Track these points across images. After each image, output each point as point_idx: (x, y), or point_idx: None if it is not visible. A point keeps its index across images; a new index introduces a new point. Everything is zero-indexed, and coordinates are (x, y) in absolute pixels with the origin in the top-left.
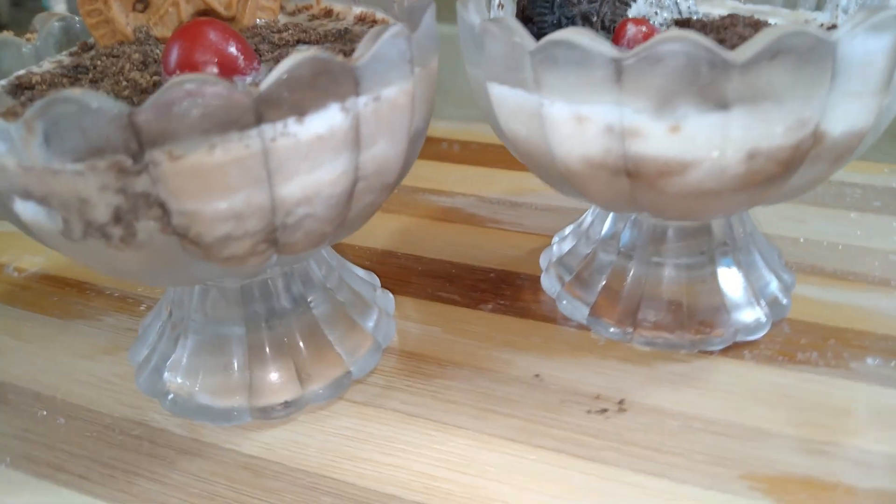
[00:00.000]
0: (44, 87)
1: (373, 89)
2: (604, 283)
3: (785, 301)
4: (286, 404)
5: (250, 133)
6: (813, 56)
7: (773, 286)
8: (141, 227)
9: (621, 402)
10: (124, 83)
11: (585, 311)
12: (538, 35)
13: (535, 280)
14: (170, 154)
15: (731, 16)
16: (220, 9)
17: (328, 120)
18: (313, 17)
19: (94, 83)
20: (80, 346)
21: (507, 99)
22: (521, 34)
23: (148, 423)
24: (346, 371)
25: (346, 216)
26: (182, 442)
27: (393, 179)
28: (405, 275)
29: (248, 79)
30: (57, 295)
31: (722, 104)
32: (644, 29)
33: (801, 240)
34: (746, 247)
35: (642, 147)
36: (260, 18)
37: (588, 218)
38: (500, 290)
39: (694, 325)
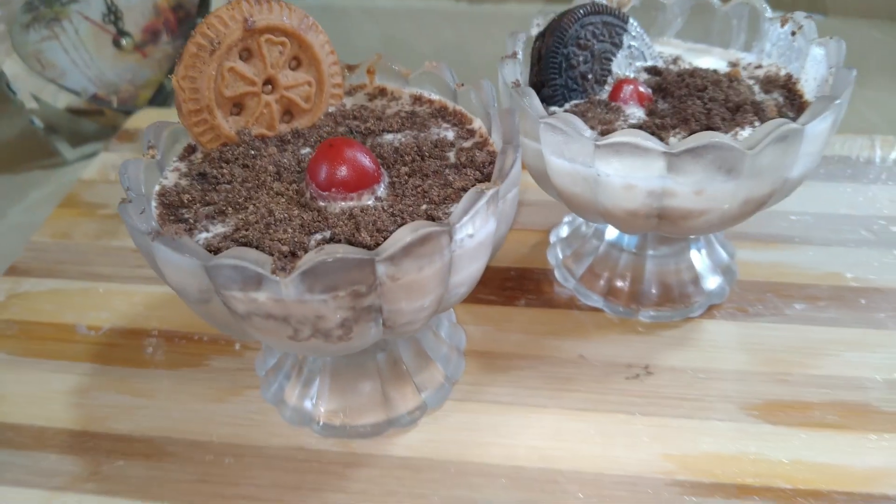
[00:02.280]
0: (196, 204)
1: None
2: (609, 275)
3: (734, 268)
4: (412, 411)
5: (444, 254)
6: (794, 138)
7: (724, 257)
8: (358, 328)
9: (646, 367)
10: (272, 193)
11: (599, 298)
12: (552, 95)
13: (549, 273)
14: (392, 278)
15: (693, 72)
16: (302, 103)
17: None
18: (371, 97)
19: (240, 201)
20: (204, 393)
21: (564, 168)
22: (587, 131)
23: (306, 447)
24: (445, 376)
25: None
26: (343, 457)
27: None
28: None
29: (382, 184)
30: (149, 346)
31: (735, 176)
32: (634, 87)
33: None
34: None
35: (674, 202)
36: (331, 105)
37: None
38: (525, 285)
39: (679, 298)
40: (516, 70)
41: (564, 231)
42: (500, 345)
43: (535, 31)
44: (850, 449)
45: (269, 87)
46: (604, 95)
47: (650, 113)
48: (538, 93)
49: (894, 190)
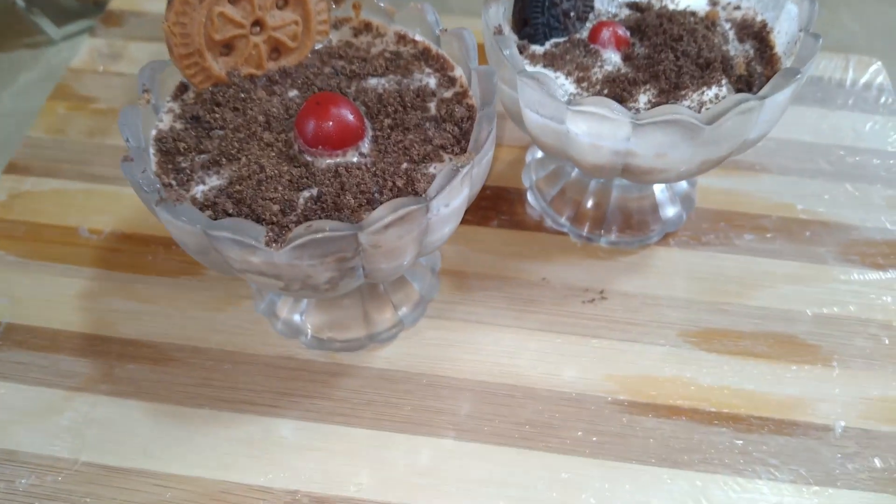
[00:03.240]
0: (192, 153)
1: None
2: (577, 200)
3: (694, 196)
4: (391, 328)
5: (421, 223)
6: (752, 111)
7: (685, 186)
8: (343, 282)
9: (602, 291)
10: (263, 145)
11: (564, 223)
12: (533, 34)
13: (521, 194)
14: (373, 246)
15: (671, 16)
16: (289, 42)
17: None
18: (357, 32)
19: (233, 152)
20: (204, 301)
21: (537, 120)
22: (560, 94)
23: (296, 356)
24: (421, 296)
25: None
26: (329, 367)
27: None
28: None
29: (366, 140)
30: (149, 254)
31: (694, 144)
32: (612, 30)
33: None
34: None
35: (636, 161)
36: (318, 42)
37: None
38: (499, 206)
39: (638, 226)
40: (499, 12)
41: (539, 152)
42: (472, 265)
43: None
44: (772, 377)
45: (258, 28)
46: (585, 33)
47: (626, 58)
48: (521, 30)
49: (859, 118)
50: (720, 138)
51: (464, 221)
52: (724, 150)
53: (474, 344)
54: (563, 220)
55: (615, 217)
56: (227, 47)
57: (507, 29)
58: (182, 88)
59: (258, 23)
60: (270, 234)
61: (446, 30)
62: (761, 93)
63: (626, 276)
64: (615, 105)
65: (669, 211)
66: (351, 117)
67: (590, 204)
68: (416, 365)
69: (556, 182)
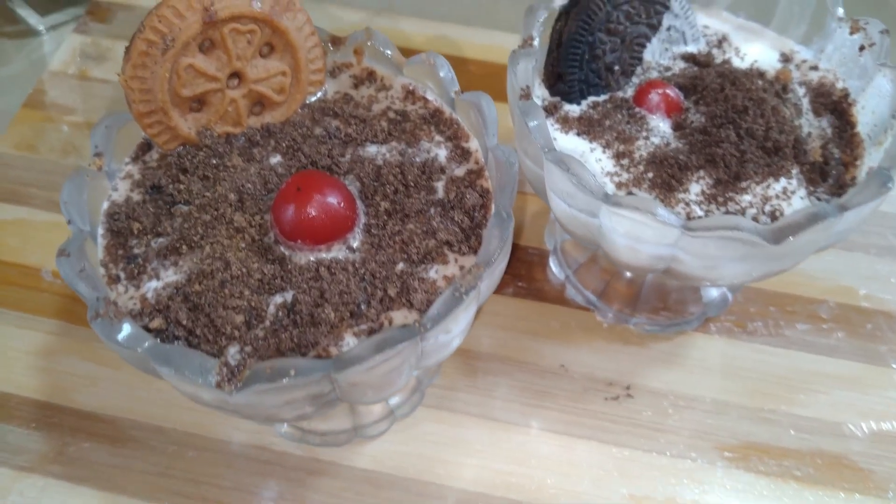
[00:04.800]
0: (147, 235)
1: None
2: (606, 272)
3: None
4: (380, 420)
5: (412, 355)
6: (829, 226)
7: None
8: (319, 412)
9: (628, 387)
10: (231, 231)
11: (590, 297)
12: (567, 91)
13: (543, 257)
14: (352, 384)
15: (734, 78)
16: (275, 96)
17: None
18: (358, 82)
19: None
20: None
21: (565, 210)
22: (594, 184)
23: (270, 447)
24: (418, 381)
25: None
26: (306, 463)
27: None
28: None
29: (356, 231)
30: None
31: (752, 259)
32: (663, 94)
33: None
34: None
35: (682, 268)
36: (311, 93)
37: None
38: (516, 268)
39: (675, 306)
40: (528, 68)
41: None
42: (481, 342)
43: (558, 3)
44: None
45: (236, 80)
46: (630, 91)
47: (677, 127)
48: (553, 85)
49: None
50: (786, 255)
51: None
52: (788, 265)
53: (476, 443)
54: (589, 293)
55: (650, 296)
56: (200, 101)
57: (537, 83)
58: (145, 147)
59: (237, 74)
60: (223, 371)
61: (462, 92)
62: (843, 201)
63: (657, 368)
64: (662, 209)
65: (713, 291)
66: (339, 206)
67: (623, 278)
68: (407, 467)
69: (585, 248)
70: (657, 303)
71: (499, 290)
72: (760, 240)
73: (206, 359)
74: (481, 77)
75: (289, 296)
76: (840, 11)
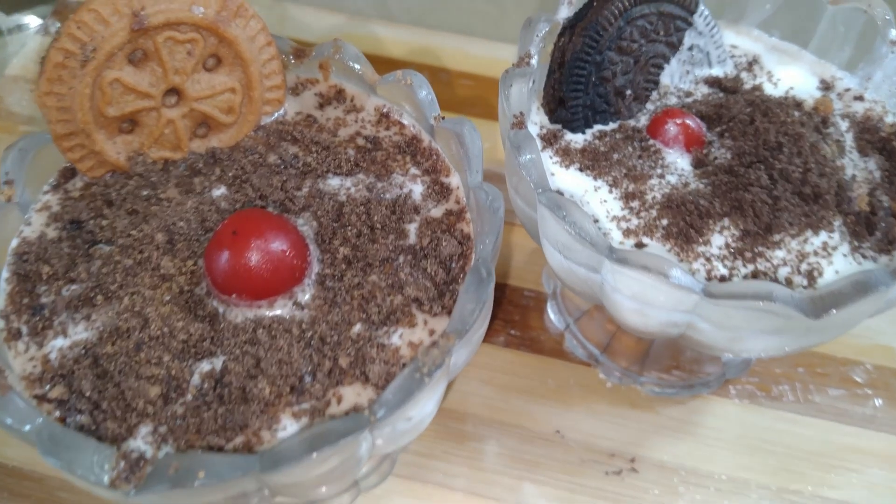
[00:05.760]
0: (58, 281)
1: None
2: (612, 323)
3: None
4: (343, 492)
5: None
6: (879, 296)
7: None
8: None
9: (632, 460)
10: (157, 279)
11: (593, 351)
12: (571, 118)
13: (541, 301)
14: (286, 485)
15: (766, 107)
16: (222, 117)
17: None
18: (323, 101)
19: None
20: None
21: (561, 262)
22: (599, 241)
23: None
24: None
25: None
26: None
27: None
28: None
29: (307, 283)
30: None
31: (786, 332)
32: (682, 125)
33: None
34: None
35: (699, 336)
36: (266, 112)
37: None
38: (509, 314)
39: (690, 366)
40: (523, 91)
41: None
42: (466, 399)
43: (562, 15)
44: None
45: (175, 97)
46: (643, 120)
47: (698, 163)
48: (554, 110)
49: None
50: (826, 329)
51: None
52: (827, 339)
53: None
54: (591, 346)
55: (661, 353)
56: (132, 122)
57: (535, 107)
58: (68, 173)
59: (175, 91)
60: (121, 466)
61: (443, 117)
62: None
63: (666, 437)
64: (677, 270)
65: None
66: (285, 254)
67: (630, 336)
68: None
69: (587, 306)
70: (669, 361)
71: (488, 338)
72: (798, 313)
73: (100, 448)
74: (478, 93)
75: (218, 363)
76: (893, 33)
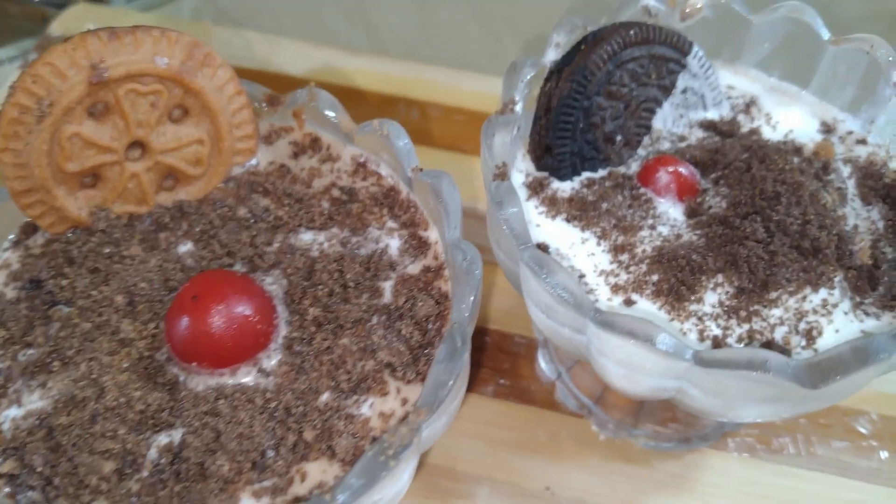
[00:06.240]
0: (15, 346)
1: None
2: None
3: None
4: None
5: None
6: (881, 362)
7: None
8: None
9: None
10: (115, 344)
11: (585, 401)
12: (558, 166)
13: (531, 348)
14: None
15: (764, 153)
16: (189, 169)
17: None
18: (298, 150)
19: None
20: None
21: (546, 322)
22: (583, 302)
23: None
24: None
25: None
26: None
27: None
28: None
29: (273, 348)
30: None
31: (781, 400)
32: (674, 173)
33: None
34: None
35: (689, 402)
36: (237, 163)
37: None
38: (499, 361)
39: (687, 419)
40: (507, 140)
41: None
42: (451, 453)
43: (549, 59)
44: None
45: (139, 150)
46: (634, 166)
47: (691, 213)
48: (541, 157)
49: None
50: (825, 396)
51: None
52: (826, 405)
53: None
54: (584, 397)
55: (657, 405)
56: (95, 176)
57: (521, 154)
58: (30, 228)
59: (139, 143)
60: None
61: (421, 169)
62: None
63: (662, 494)
64: (665, 336)
65: None
66: (248, 319)
67: None
68: None
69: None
70: (665, 413)
71: (476, 387)
72: (795, 383)
73: None
74: (471, 128)
75: (177, 435)
76: None
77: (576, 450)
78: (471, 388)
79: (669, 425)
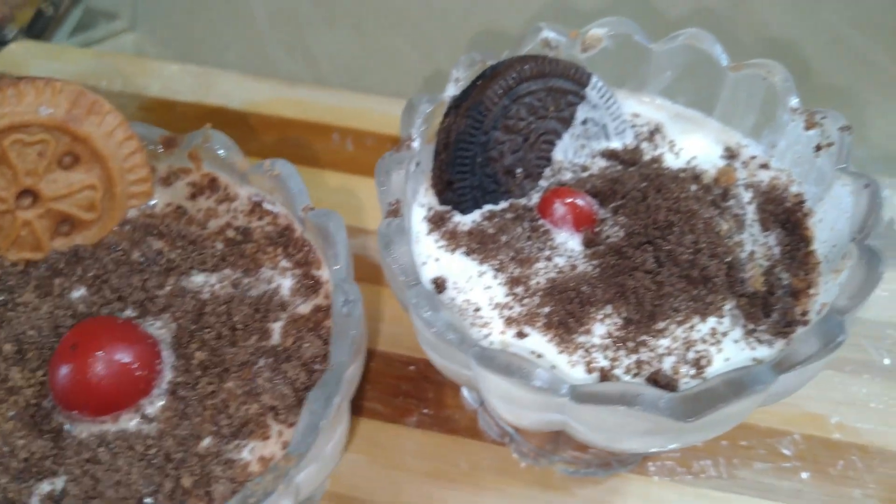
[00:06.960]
0: None
1: None
2: None
3: None
4: None
5: None
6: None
7: None
8: None
9: None
10: (3, 392)
11: (506, 429)
12: (458, 200)
13: None
14: None
15: (660, 183)
16: (83, 214)
17: None
18: (196, 192)
19: None
20: None
21: (436, 358)
22: (464, 339)
23: None
24: None
25: None
26: None
27: None
28: None
29: (156, 393)
30: None
31: (661, 432)
32: (571, 205)
33: None
34: None
35: (577, 434)
36: (133, 206)
37: None
38: (423, 391)
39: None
40: (402, 177)
41: None
42: (373, 487)
43: (449, 94)
44: None
45: (30, 199)
46: (535, 197)
47: (589, 243)
48: (443, 192)
49: None
50: (705, 428)
51: (371, 414)
52: (711, 436)
53: None
54: (504, 424)
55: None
56: None
57: (423, 188)
58: None
59: (30, 191)
60: None
61: (312, 208)
62: (780, 358)
63: None
64: (540, 372)
65: None
66: (128, 366)
67: None
68: None
69: None
70: None
71: (399, 417)
72: (668, 417)
73: None
74: None
75: (60, 483)
76: (794, 101)
77: (496, 479)
78: (394, 419)
79: (589, 451)
